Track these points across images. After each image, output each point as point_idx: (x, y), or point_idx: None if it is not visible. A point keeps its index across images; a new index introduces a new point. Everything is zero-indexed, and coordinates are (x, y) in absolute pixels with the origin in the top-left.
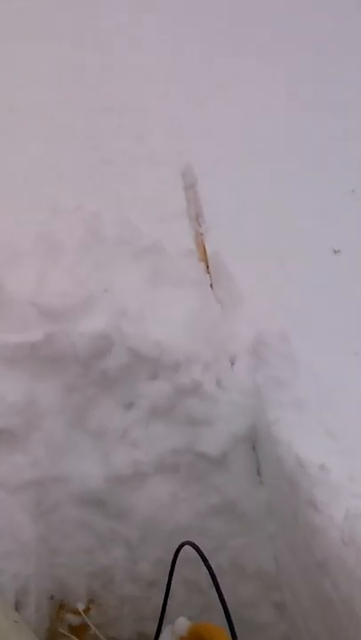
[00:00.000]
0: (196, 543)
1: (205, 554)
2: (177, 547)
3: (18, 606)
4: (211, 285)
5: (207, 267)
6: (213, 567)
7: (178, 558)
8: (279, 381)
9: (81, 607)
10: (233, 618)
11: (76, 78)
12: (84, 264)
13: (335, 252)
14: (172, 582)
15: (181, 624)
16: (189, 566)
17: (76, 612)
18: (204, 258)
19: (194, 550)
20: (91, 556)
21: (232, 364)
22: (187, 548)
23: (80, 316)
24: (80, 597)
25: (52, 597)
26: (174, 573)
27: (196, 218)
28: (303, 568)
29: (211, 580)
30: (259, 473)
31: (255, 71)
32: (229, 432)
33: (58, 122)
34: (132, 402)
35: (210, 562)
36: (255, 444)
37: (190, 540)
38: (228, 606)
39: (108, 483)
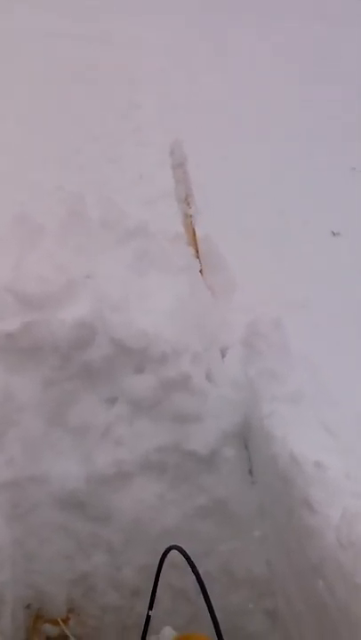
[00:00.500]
0: (183, 547)
1: (193, 559)
2: (163, 551)
3: None
4: (200, 271)
5: (197, 251)
6: (202, 573)
7: (164, 564)
8: (273, 374)
9: (60, 617)
10: (223, 627)
11: (60, 49)
12: (65, 248)
13: (334, 234)
14: (158, 589)
15: (167, 634)
16: (176, 572)
17: (55, 623)
18: (194, 241)
19: (181, 555)
20: (70, 562)
21: (223, 355)
22: (174, 552)
23: (60, 304)
24: (59, 606)
25: (28, 606)
26: (160, 580)
27: (186, 199)
28: (297, 572)
29: (199, 587)
30: (251, 472)
31: (252, 43)
32: (219, 429)
33: (41, 96)
34: (115, 396)
35: (198, 567)
36: (247, 442)
37: (177, 544)
38: (218, 615)
39: (90, 483)
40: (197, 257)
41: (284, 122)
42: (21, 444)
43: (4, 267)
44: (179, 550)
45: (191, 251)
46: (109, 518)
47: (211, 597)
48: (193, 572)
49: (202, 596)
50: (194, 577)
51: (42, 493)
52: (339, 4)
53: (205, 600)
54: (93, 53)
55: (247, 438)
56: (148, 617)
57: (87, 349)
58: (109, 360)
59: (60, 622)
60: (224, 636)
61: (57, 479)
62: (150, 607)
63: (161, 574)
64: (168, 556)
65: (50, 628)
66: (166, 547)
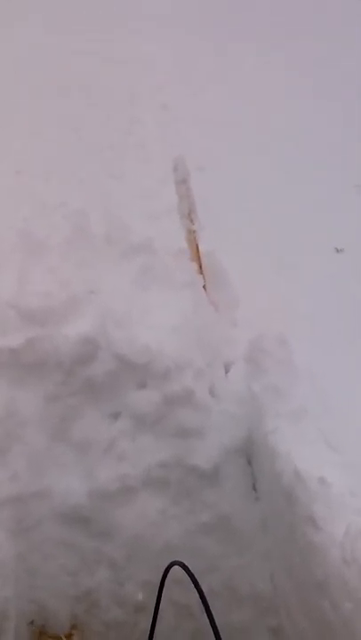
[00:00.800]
0: (185, 563)
1: (196, 575)
2: (165, 567)
3: None
4: (204, 287)
5: (200, 266)
6: (205, 589)
7: (167, 580)
8: (277, 390)
9: (63, 633)
10: None
11: (64, 66)
12: (69, 264)
13: (338, 250)
14: (161, 606)
15: None
16: (179, 589)
17: (58, 639)
18: (197, 257)
19: (184, 571)
20: (74, 578)
21: (227, 371)
22: (176, 568)
23: (64, 320)
24: (62, 622)
25: (31, 623)
26: (163, 596)
27: (189, 214)
28: (301, 589)
29: (202, 604)
30: (254, 488)
31: (254, 58)
32: (223, 444)
33: (44, 112)
34: (118, 412)
35: (201, 584)
36: (250, 457)
37: (180, 559)
38: (221, 632)
39: (93, 498)
40: (201, 272)
41: (286, 136)
42: (25, 459)
43: (7, 282)
44: (181, 566)
45: (194, 266)
46: (112, 534)
47: (214, 614)
48: (196, 588)
49: (205, 612)
50: (197, 593)
51: (45, 509)
52: (341, 20)
53: (208, 616)
54: (95, 68)
55: (251, 454)
56: (152, 632)
57: (90, 365)
58: (112, 375)
59: (64, 639)
60: None
61: (60, 494)
62: (153, 623)
63: (164, 591)
64: (171, 572)
65: None
66: (169, 563)
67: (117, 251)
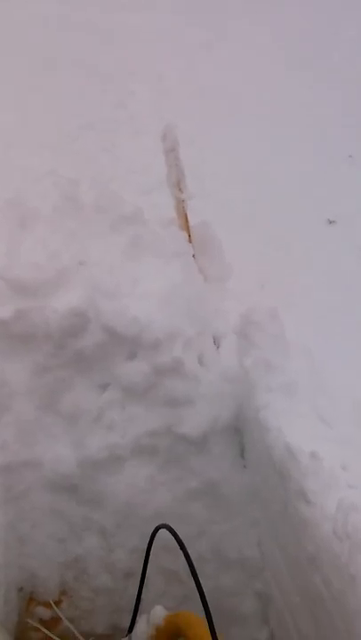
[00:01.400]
0: (172, 527)
1: (185, 541)
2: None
3: None
4: (193, 256)
5: (189, 236)
6: (193, 555)
7: (156, 546)
8: (269, 364)
9: (52, 599)
10: (214, 608)
11: (57, 37)
12: (58, 234)
13: (330, 222)
14: (150, 571)
15: (158, 613)
16: (168, 555)
17: (47, 605)
18: (186, 226)
19: (173, 538)
20: (63, 545)
21: (217, 345)
22: (166, 535)
23: (53, 292)
24: (51, 589)
25: (21, 589)
26: (151, 562)
27: (178, 184)
28: (292, 563)
29: (188, 566)
30: (242, 456)
31: (249, 28)
32: (211, 413)
33: (35, 85)
34: (107, 382)
35: (190, 549)
36: (240, 428)
37: (169, 526)
38: (209, 596)
39: (82, 467)
40: (190, 242)
41: (280, 108)
42: (14, 428)
43: None
44: (167, 529)
45: (184, 235)
46: (101, 501)
47: (202, 579)
48: (181, 549)
49: (191, 574)
50: (184, 558)
51: (34, 477)
52: None
53: (194, 578)
54: (88, 40)
55: (240, 425)
56: (140, 595)
57: (80, 337)
58: (102, 347)
59: (53, 605)
60: (215, 617)
61: (49, 463)
62: (141, 585)
63: (153, 556)
64: (160, 538)
65: (42, 611)
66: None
67: (108, 221)
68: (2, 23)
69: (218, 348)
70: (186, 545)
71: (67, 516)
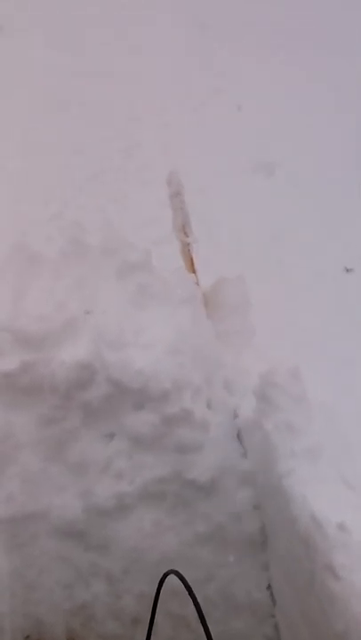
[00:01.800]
0: (181, 573)
1: (193, 585)
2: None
3: None
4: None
5: (196, 279)
6: (201, 599)
7: (163, 591)
8: (291, 427)
9: None
10: None
11: (63, 84)
12: (64, 280)
13: (348, 270)
14: (158, 617)
15: None
16: (176, 599)
17: None
18: (192, 269)
19: (181, 583)
20: (69, 591)
21: (236, 416)
22: (173, 580)
23: (59, 343)
24: (58, 636)
25: (27, 637)
26: (160, 608)
27: (183, 228)
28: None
29: (196, 612)
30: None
31: (253, 71)
32: (220, 456)
33: (41, 132)
34: (114, 432)
35: (197, 593)
36: (259, 500)
37: (178, 571)
38: None
39: (89, 514)
40: (197, 284)
41: (289, 152)
42: (20, 480)
43: (2, 301)
44: (176, 574)
45: (192, 278)
46: (108, 547)
47: (210, 623)
48: (190, 595)
49: (199, 620)
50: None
51: (41, 525)
52: (344, 36)
53: (202, 624)
54: (94, 85)
55: (261, 494)
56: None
57: (87, 389)
58: (109, 399)
59: None
60: None
61: (56, 511)
62: (149, 632)
63: (161, 602)
64: (168, 583)
65: None
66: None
67: (114, 267)
68: (4, 66)
69: (236, 417)
70: (194, 589)
71: (73, 562)
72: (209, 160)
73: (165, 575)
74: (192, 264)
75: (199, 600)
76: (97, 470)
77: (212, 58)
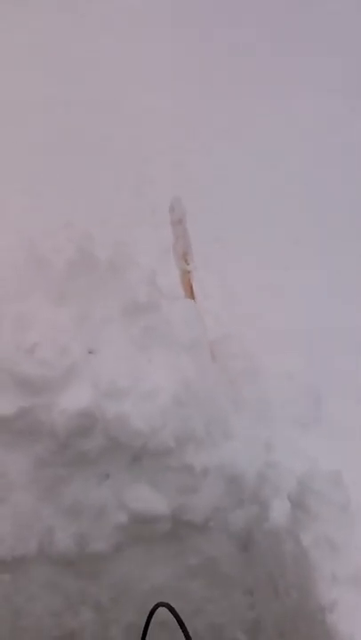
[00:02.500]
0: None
1: (182, 618)
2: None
3: None
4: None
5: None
6: (190, 632)
7: (153, 623)
8: (333, 544)
9: None
10: None
11: (67, 118)
12: (69, 314)
13: None
14: None
15: None
16: (166, 632)
17: None
18: (191, 297)
19: (170, 614)
20: (58, 619)
21: (267, 519)
22: (162, 610)
23: (60, 389)
24: None
25: None
26: (149, 638)
27: (184, 255)
28: None
29: None
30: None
31: (268, 113)
32: (216, 497)
33: (46, 171)
34: (109, 473)
35: (187, 626)
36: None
37: (169, 604)
38: None
39: (80, 549)
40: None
41: (301, 196)
42: (11, 521)
43: (4, 331)
44: (167, 607)
45: (191, 302)
46: (98, 575)
47: None
48: (181, 628)
49: None
50: (183, 637)
51: (31, 555)
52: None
53: None
54: (101, 122)
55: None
56: None
57: (85, 438)
58: (106, 450)
59: None
60: None
61: (47, 548)
62: None
63: (150, 634)
64: (157, 615)
65: None
66: (154, 604)
67: (121, 305)
68: (5, 101)
69: (268, 521)
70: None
71: (62, 590)
72: (221, 201)
73: (155, 607)
74: (191, 291)
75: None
76: (91, 513)
77: (224, 98)
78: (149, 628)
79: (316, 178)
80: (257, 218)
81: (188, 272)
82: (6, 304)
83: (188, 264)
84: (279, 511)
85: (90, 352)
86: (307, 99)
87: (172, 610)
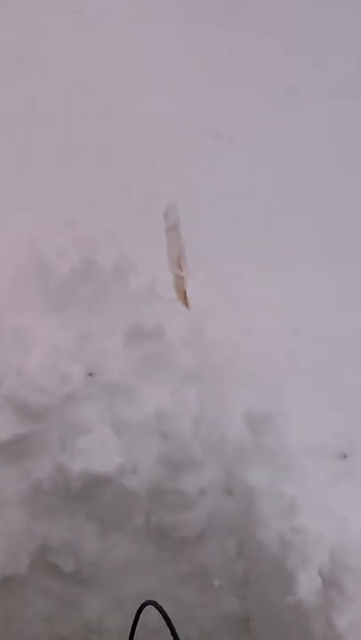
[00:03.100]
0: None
1: (174, 622)
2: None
3: None
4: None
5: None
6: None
7: (144, 628)
8: None
9: None
10: None
11: (68, 129)
12: (72, 331)
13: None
14: None
15: None
16: (156, 637)
17: None
18: (185, 303)
19: (161, 620)
20: (49, 625)
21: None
22: (154, 617)
23: (57, 415)
24: None
25: None
26: None
27: (177, 261)
28: None
29: None
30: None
31: (273, 119)
32: (210, 510)
33: (47, 184)
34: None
35: (178, 631)
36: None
37: (156, 602)
38: None
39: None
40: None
41: (301, 196)
42: (3, 538)
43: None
44: (154, 605)
45: (184, 306)
46: (89, 581)
47: None
48: (168, 625)
49: None
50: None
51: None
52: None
53: None
54: (104, 132)
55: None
56: None
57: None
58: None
59: None
60: None
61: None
62: None
63: (140, 637)
64: (150, 621)
65: None
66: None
67: (123, 332)
68: (4, 110)
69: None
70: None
71: (54, 595)
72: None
73: (143, 606)
74: (185, 297)
75: None
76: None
77: (227, 105)
78: (141, 633)
79: (315, 178)
80: (257, 219)
81: (182, 278)
82: (5, 317)
83: (181, 270)
84: (308, 586)
85: (89, 374)
86: (308, 100)
87: (159, 608)
